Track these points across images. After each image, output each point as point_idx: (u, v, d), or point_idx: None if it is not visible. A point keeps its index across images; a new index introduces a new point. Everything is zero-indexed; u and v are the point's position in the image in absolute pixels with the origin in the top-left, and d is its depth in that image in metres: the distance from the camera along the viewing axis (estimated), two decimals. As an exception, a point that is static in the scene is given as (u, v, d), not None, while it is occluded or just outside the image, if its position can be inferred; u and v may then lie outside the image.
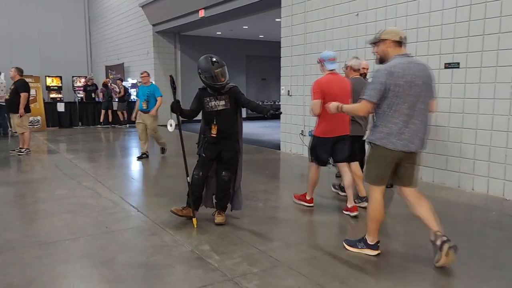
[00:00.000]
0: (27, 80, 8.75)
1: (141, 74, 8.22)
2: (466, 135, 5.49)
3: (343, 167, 4.53)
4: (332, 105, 3.40)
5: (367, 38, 6.71)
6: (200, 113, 4.16)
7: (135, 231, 3.97)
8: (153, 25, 14.41)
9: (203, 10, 11.51)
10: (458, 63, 5.52)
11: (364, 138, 3.93)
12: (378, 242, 3.36)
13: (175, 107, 3.95)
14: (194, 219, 3.97)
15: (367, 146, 3.58)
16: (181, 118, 4.09)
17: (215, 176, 4.16)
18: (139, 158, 7.83)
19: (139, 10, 14.67)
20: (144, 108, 7.71)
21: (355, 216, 4.37)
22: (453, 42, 5.55)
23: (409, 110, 3.04)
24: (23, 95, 7.91)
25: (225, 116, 3.98)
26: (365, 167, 3.41)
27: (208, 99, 4.00)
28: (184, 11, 12.32)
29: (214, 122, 3.96)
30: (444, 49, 5.65)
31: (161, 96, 7.99)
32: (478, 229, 4.17)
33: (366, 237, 3.38)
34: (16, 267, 3.14)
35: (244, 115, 4.47)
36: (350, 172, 4.51)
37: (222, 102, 3.98)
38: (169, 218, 4.14)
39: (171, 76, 4.11)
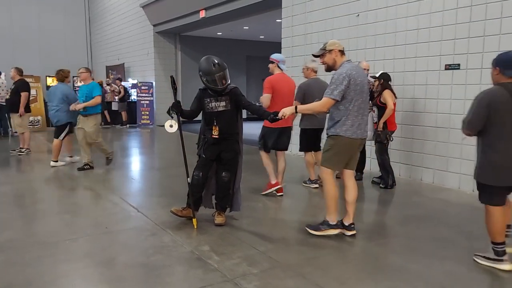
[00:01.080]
0: (28, 80, 8.77)
1: (78, 70, 7.04)
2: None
3: (281, 155, 5.27)
4: (288, 110, 3.72)
5: (367, 39, 6.74)
6: (200, 113, 4.16)
7: (135, 231, 3.98)
8: (154, 26, 14.42)
9: (203, 11, 11.52)
10: (459, 64, 5.52)
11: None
12: (339, 221, 3.74)
13: (176, 107, 3.94)
14: (194, 220, 3.97)
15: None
16: (181, 118, 4.08)
17: (214, 176, 4.16)
18: (80, 169, 6.67)
19: (139, 11, 14.69)
20: (83, 111, 6.59)
21: (281, 195, 5.12)
22: (453, 43, 5.56)
23: (363, 105, 3.64)
24: (23, 94, 7.92)
25: (226, 117, 3.98)
26: (324, 154, 3.78)
27: (208, 100, 4.00)
28: (184, 11, 12.33)
29: (215, 123, 3.96)
30: (445, 50, 5.66)
31: (99, 95, 6.74)
32: (478, 230, 4.17)
33: (327, 218, 3.72)
34: (17, 267, 3.14)
35: (244, 115, 4.47)
36: (283, 161, 5.28)
37: (223, 103, 3.98)
38: (169, 218, 4.14)
39: (172, 77, 4.11)
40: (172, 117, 3.99)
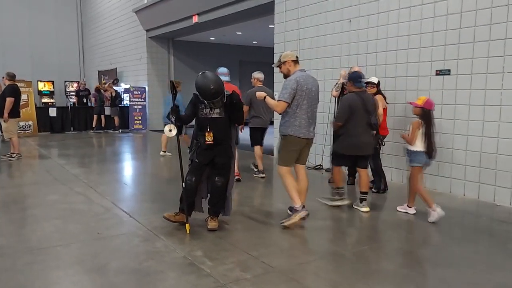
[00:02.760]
0: (19, 84, 8.69)
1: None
2: (457, 141, 5.54)
3: (259, 150, 6.68)
4: (261, 94, 4.30)
5: (359, 44, 6.79)
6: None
7: (127, 237, 3.95)
8: (147, 31, 14.41)
9: (196, 16, 11.54)
10: (449, 70, 5.58)
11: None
12: (303, 205, 4.23)
13: (174, 112, 3.93)
14: (187, 225, 3.95)
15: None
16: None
17: (205, 180, 4.15)
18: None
19: (132, 15, 14.68)
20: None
21: (238, 180, 5.94)
22: (444, 49, 5.62)
23: (308, 109, 4.17)
24: (8, 99, 7.83)
25: (219, 123, 3.98)
26: (278, 155, 4.38)
27: (203, 106, 3.99)
28: (177, 16, 12.34)
29: (208, 129, 3.96)
30: (435, 56, 5.72)
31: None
32: (469, 234, 4.20)
33: (293, 206, 4.27)
34: (8, 273, 3.11)
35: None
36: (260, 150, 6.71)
37: (217, 110, 3.98)
38: (162, 223, 4.12)
39: (171, 81, 4.08)
40: (171, 122, 3.98)
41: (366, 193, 4.86)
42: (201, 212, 4.21)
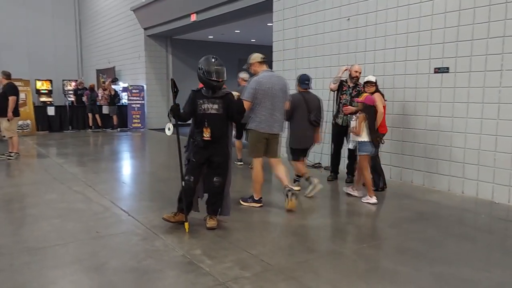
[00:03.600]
0: (17, 83, 8.68)
1: None
2: (456, 139, 5.55)
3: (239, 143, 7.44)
4: (236, 94, 4.42)
5: (358, 42, 6.79)
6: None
7: (126, 235, 3.94)
8: (145, 29, 14.38)
9: (195, 14, 11.52)
10: (448, 68, 5.58)
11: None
12: (260, 197, 4.80)
13: (174, 111, 3.92)
14: (186, 224, 3.95)
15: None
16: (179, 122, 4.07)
17: (201, 180, 4.13)
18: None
19: (130, 14, 14.64)
20: None
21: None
22: (442, 47, 5.62)
23: (271, 106, 4.59)
24: (11, 98, 7.84)
25: (216, 120, 3.97)
26: (248, 148, 4.86)
27: (201, 101, 3.97)
28: (176, 15, 12.31)
29: (206, 125, 3.93)
30: (434, 54, 5.72)
31: None
32: (468, 232, 4.21)
33: (253, 195, 4.79)
34: (5, 273, 3.10)
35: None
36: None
37: (215, 106, 3.97)
38: (161, 222, 4.11)
39: (172, 79, 4.06)
40: (170, 120, 3.97)
41: (300, 177, 5.56)
42: (197, 211, 4.20)
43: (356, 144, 5.15)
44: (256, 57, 4.78)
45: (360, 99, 5.15)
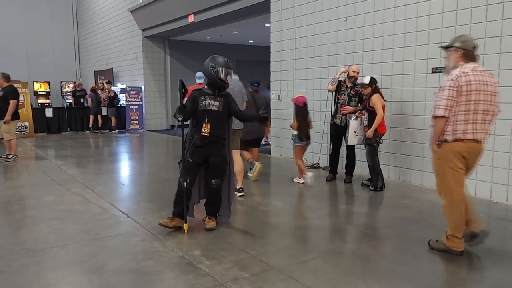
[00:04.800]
0: (15, 85, 8.65)
1: None
2: (454, 138, 5.55)
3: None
4: None
5: (355, 43, 6.80)
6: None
7: (125, 237, 3.94)
8: (142, 30, 14.37)
9: (192, 15, 11.52)
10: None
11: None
12: (241, 187, 5.33)
13: (182, 111, 3.90)
14: (185, 225, 3.94)
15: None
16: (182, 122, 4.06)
17: (196, 186, 4.10)
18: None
19: (128, 15, 14.64)
20: None
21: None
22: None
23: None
24: (12, 102, 7.83)
25: (217, 117, 3.97)
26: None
27: (202, 98, 3.97)
28: (173, 16, 12.31)
29: (206, 120, 3.92)
30: (431, 54, 5.73)
31: None
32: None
33: (236, 186, 4.95)
34: (4, 275, 3.09)
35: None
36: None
37: (216, 103, 3.98)
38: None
39: (181, 80, 4.06)
40: (178, 121, 3.96)
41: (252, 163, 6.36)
42: (192, 217, 4.15)
43: (293, 137, 6.15)
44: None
45: (293, 99, 6.08)
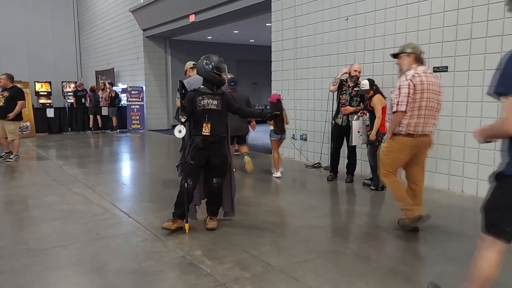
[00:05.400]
0: (16, 85, 8.70)
1: None
2: (455, 137, 5.55)
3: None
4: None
5: (356, 42, 6.79)
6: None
7: (126, 237, 3.94)
8: (143, 30, 14.38)
9: (193, 15, 11.52)
10: (447, 67, 5.59)
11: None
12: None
13: (183, 112, 3.89)
14: (186, 225, 3.94)
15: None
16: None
17: (197, 186, 4.09)
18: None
19: (129, 15, 14.64)
20: None
21: None
22: (441, 46, 5.63)
23: None
24: (21, 103, 7.99)
25: (216, 116, 3.95)
26: None
27: (200, 98, 3.95)
28: (174, 16, 12.31)
29: (206, 120, 3.90)
30: (433, 53, 5.72)
31: None
32: (468, 231, 4.21)
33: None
34: (6, 275, 3.10)
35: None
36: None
37: (215, 102, 3.96)
38: (161, 223, 4.10)
39: (180, 81, 4.05)
40: (181, 122, 3.92)
41: (247, 153, 6.69)
42: (194, 219, 4.14)
43: (271, 131, 6.59)
44: (188, 64, 6.00)
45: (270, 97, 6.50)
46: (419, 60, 3.86)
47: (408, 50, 3.86)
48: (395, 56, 4.00)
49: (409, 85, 3.66)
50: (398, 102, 3.69)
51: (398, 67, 4.00)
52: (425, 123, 3.77)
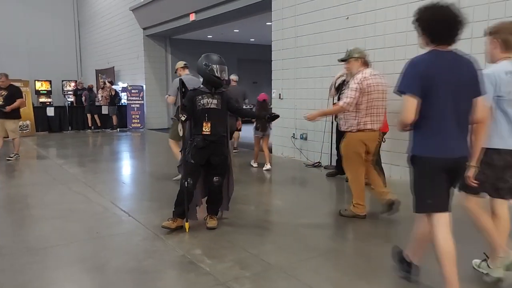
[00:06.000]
0: (16, 84, 8.75)
1: None
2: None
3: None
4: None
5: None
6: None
7: (126, 236, 3.95)
8: (144, 29, 14.37)
9: (194, 14, 11.52)
10: (447, 66, 5.58)
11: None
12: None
13: (184, 111, 3.89)
14: (186, 224, 3.95)
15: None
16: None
17: (198, 185, 4.08)
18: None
19: (129, 14, 14.63)
20: None
21: None
22: (441, 45, 5.62)
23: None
24: (20, 100, 8.05)
25: (216, 115, 3.95)
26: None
27: (200, 97, 3.95)
28: (175, 14, 12.31)
29: (206, 119, 3.90)
30: (433, 52, 5.71)
31: None
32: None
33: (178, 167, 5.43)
34: (6, 274, 3.10)
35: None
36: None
37: (215, 101, 3.96)
38: (161, 222, 4.10)
39: (181, 80, 4.04)
40: (181, 121, 3.92)
41: (236, 148, 7.68)
42: (195, 219, 4.13)
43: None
44: (179, 63, 6.31)
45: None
46: (366, 63, 4.30)
47: (356, 55, 4.28)
48: (343, 61, 4.41)
49: (357, 88, 4.06)
50: (347, 101, 4.08)
51: (348, 71, 4.43)
52: (373, 121, 4.19)
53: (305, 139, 7.92)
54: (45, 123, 13.50)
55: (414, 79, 2.52)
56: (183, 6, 11.69)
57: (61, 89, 17.49)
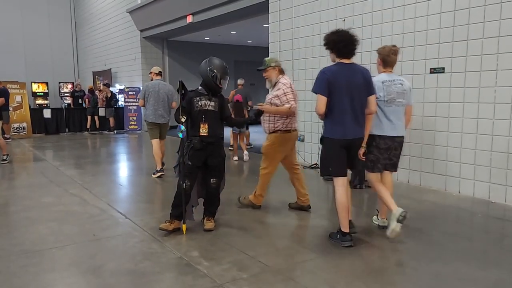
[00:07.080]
0: (13, 86, 8.76)
1: None
2: (452, 138, 5.57)
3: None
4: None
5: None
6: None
7: (123, 238, 3.93)
8: (141, 31, 14.36)
9: (191, 16, 11.52)
10: (443, 68, 5.60)
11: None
12: (161, 168, 6.75)
13: (184, 112, 3.91)
14: (183, 226, 3.94)
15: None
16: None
17: (194, 187, 4.09)
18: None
19: (126, 16, 14.62)
20: None
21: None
22: (438, 48, 5.64)
23: (155, 103, 6.67)
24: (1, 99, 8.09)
25: (213, 117, 3.97)
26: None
27: (198, 99, 3.97)
28: (172, 16, 12.31)
29: (204, 120, 3.92)
30: (429, 54, 5.74)
31: None
32: (464, 231, 4.23)
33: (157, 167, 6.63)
34: (2, 276, 3.08)
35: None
36: None
37: (212, 103, 3.99)
38: (158, 224, 4.10)
39: (180, 81, 4.05)
40: (181, 122, 3.93)
41: (231, 146, 8.51)
42: (192, 220, 4.14)
43: None
44: (156, 69, 6.90)
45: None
46: (282, 71, 4.64)
47: (273, 64, 4.59)
48: (261, 70, 4.67)
49: (292, 92, 4.45)
50: (292, 104, 4.37)
51: (267, 79, 4.66)
52: (293, 121, 4.56)
53: (302, 140, 7.92)
54: (41, 125, 13.45)
55: (323, 83, 3.48)
56: (180, 8, 11.70)
57: (57, 91, 17.43)
